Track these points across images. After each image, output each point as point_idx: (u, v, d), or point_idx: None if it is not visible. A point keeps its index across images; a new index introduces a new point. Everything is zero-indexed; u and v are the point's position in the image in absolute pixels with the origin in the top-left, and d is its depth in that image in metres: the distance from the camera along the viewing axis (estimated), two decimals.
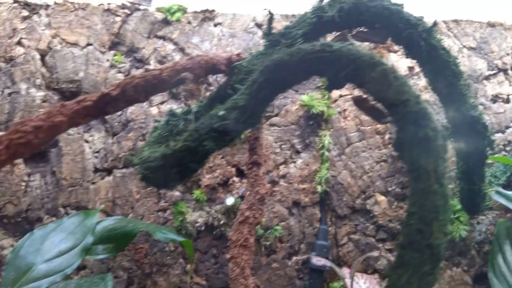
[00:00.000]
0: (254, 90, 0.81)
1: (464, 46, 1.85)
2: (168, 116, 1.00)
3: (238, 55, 1.02)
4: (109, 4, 1.69)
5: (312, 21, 0.97)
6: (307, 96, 1.74)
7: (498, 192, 1.24)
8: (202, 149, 0.81)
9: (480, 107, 1.85)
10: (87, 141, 1.67)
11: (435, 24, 1.00)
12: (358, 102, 0.81)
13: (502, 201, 1.20)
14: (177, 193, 1.66)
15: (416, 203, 0.72)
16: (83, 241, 1.24)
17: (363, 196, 1.74)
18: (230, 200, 1.65)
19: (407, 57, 1.07)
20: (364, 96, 0.81)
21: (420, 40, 0.99)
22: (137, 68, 1.71)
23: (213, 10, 1.74)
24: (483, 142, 1.05)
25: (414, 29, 0.98)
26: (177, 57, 1.71)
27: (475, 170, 1.11)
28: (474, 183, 1.12)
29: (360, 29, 1.02)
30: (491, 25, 1.88)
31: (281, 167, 1.73)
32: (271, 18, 1.01)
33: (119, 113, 1.67)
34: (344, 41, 0.93)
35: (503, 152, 1.84)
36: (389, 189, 1.76)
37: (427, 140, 0.72)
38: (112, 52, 1.70)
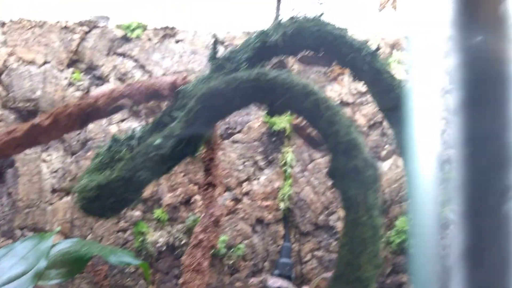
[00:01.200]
0: (190, 119, 0.80)
1: None
2: (111, 142, 0.98)
3: (183, 78, 1.00)
4: (66, 21, 1.66)
5: (256, 46, 0.97)
6: None
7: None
8: (137, 179, 0.79)
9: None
10: (44, 161, 1.64)
11: (378, 48, 1.01)
12: (297, 129, 0.81)
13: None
14: (137, 213, 1.63)
15: (347, 234, 0.72)
16: (36, 266, 1.20)
17: (326, 212, 1.74)
18: None
19: (353, 80, 1.07)
20: (302, 123, 0.80)
21: (363, 64, 0.99)
22: (97, 85, 1.68)
23: (173, 27, 1.73)
24: None
25: (358, 53, 0.98)
26: (138, 74, 1.69)
27: None
28: None
29: (306, 53, 1.03)
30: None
31: (244, 184, 1.72)
32: (215, 42, 1.00)
33: (77, 131, 1.64)
34: (283, 67, 0.93)
35: None
36: None
37: (357, 171, 0.72)
38: (71, 69, 1.67)
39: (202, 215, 1.26)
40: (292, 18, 1.00)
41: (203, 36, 1.75)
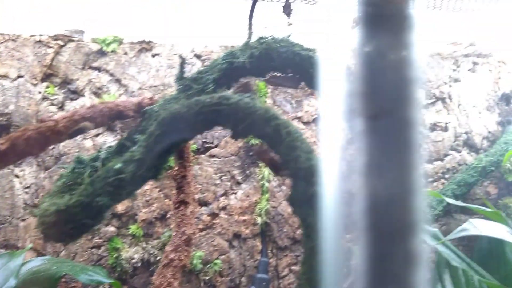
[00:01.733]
0: (150, 143, 0.79)
1: None
2: (74, 163, 0.96)
3: (150, 99, 0.99)
4: (41, 35, 1.64)
5: (223, 67, 0.97)
6: None
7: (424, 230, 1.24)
8: (96, 204, 0.78)
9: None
10: (17, 176, 1.61)
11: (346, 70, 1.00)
12: (258, 153, 0.80)
13: (426, 238, 1.20)
14: (112, 229, 1.61)
15: (305, 262, 0.71)
16: (5, 285, 1.18)
17: None
18: None
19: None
20: (265, 147, 0.80)
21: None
22: (72, 99, 1.66)
23: (150, 41, 1.72)
24: None
25: None
26: (113, 88, 1.67)
27: None
28: None
29: (274, 74, 1.02)
30: (428, 54, 1.93)
31: (222, 198, 1.71)
32: (182, 63, 0.99)
33: (51, 146, 1.61)
34: (249, 89, 0.92)
35: (442, 180, 1.87)
36: None
37: (316, 198, 0.71)
38: (45, 84, 1.65)
39: (173, 234, 1.25)
40: (260, 38, 1.00)
41: (181, 50, 1.75)
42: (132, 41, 1.71)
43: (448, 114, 1.91)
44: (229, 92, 0.90)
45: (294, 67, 0.99)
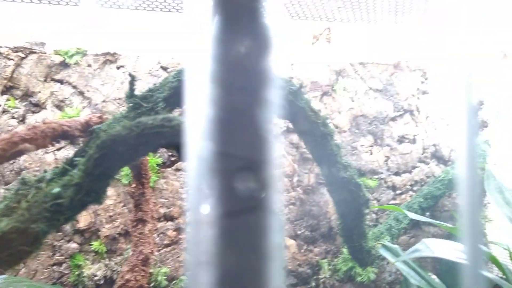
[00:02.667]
0: (89, 167, 0.76)
1: (371, 88, 1.89)
2: (19, 184, 0.93)
3: (99, 117, 0.97)
4: (0, 47, 1.60)
5: (174, 85, 0.95)
6: None
7: (383, 246, 1.24)
8: (33, 231, 0.75)
9: (387, 148, 1.89)
10: None
11: (301, 86, 1.00)
12: None
13: (387, 255, 1.20)
14: (74, 245, 1.57)
15: None
16: None
17: None
18: None
19: (279, 118, 1.05)
20: None
21: (284, 103, 0.97)
22: (33, 112, 1.62)
23: (115, 53, 1.69)
24: (358, 200, 1.05)
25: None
26: (76, 100, 1.64)
27: (353, 228, 1.10)
28: (353, 240, 1.11)
29: None
30: (397, 67, 1.93)
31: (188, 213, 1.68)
32: (132, 81, 0.97)
33: (11, 161, 1.57)
34: None
35: (411, 192, 1.88)
36: (298, 232, 1.74)
37: None
38: (5, 96, 1.61)
39: (130, 253, 1.22)
40: None
41: (146, 61, 1.72)
42: (96, 53, 1.68)
43: (416, 126, 1.92)
44: (174, 113, 0.88)
45: None
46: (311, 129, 1.02)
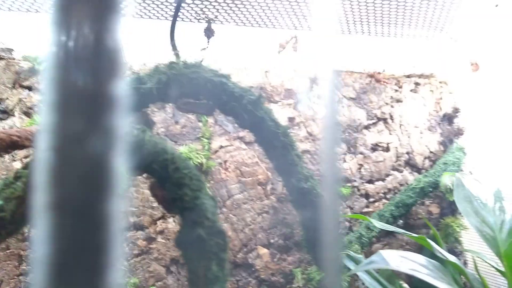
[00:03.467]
0: (32, 179, 0.74)
1: (344, 97, 1.89)
2: None
3: None
4: None
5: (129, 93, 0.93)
6: (186, 147, 1.69)
7: (347, 256, 1.23)
8: None
9: (360, 156, 1.89)
10: None
11: (260, 96, 0.99)
12: (151, 188, 0.76)
13: (350, 265, 1.19)
14: None
15: None
16: None
17: (245, 249, 1.70)
18: None
19: (239, 127, 1.05)
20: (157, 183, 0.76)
21: (243, 113, 0.96)
22: (1, 119, 1.59)
23: None
24: (316, 211, 1.04)
25: (237, 102, 0.96)
26: None
27: (316, 238, 1.09)
28: (315, 251, 1.10)
29: (186, 100, 0.99)
30: (370, 75, 1.94)
31: (159, 222, 1.66)
32: None
33: None
34: (146, 121, 0.89)
35: (384, 200, 1.87)
36: (272, 241, 1.73)
37: (201, 240, 0.68)
38: None
39: None
40: (171, 63, 0.97)
41: None
42: None
43: (390, 134, 1.92)
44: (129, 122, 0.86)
45: (206, 93, 0.96)
46: (271, 139, 1.01)
